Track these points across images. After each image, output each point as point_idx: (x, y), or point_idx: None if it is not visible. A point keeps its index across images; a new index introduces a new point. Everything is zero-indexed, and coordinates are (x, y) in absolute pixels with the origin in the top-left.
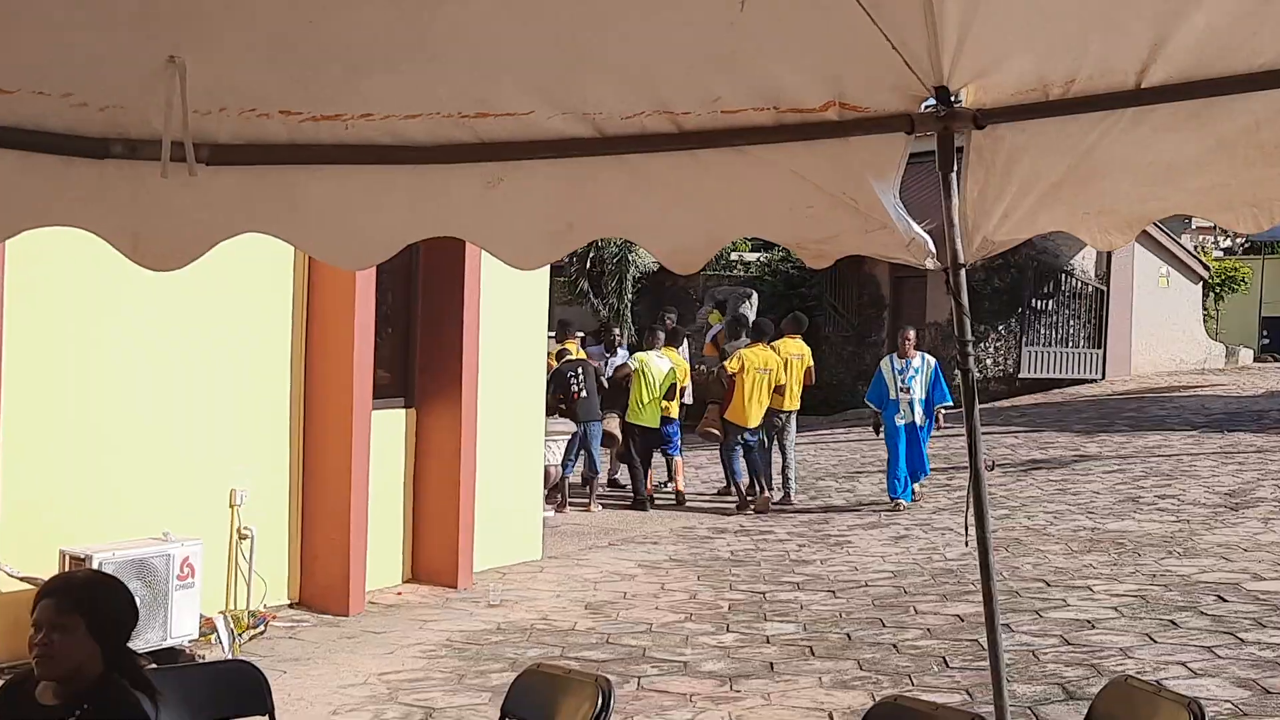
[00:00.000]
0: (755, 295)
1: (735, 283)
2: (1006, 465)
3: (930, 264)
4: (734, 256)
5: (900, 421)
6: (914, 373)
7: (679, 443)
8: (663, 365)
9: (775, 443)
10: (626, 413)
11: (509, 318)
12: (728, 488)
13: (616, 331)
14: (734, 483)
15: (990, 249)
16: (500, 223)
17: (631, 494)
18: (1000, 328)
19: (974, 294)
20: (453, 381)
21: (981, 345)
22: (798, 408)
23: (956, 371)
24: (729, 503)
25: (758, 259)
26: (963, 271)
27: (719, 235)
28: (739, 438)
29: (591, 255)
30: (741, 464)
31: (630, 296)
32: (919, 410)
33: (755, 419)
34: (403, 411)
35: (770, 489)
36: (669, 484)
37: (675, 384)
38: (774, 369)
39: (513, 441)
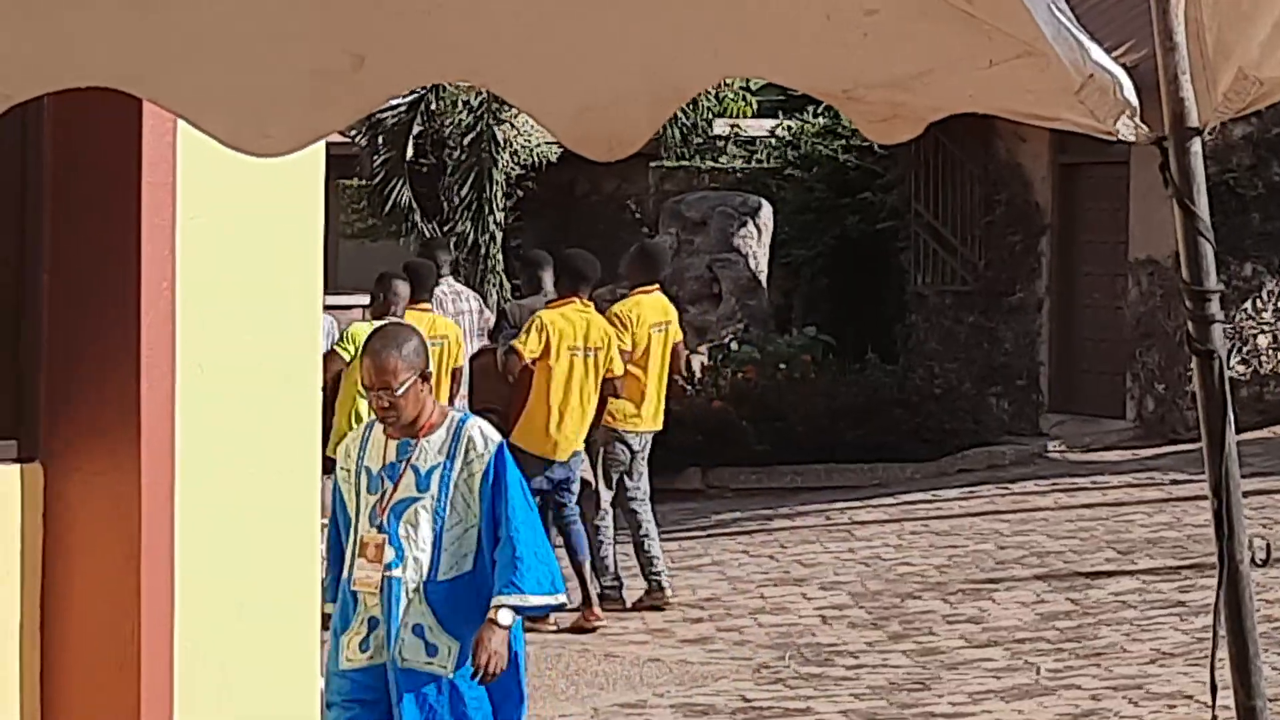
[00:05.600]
0: (767, 208)
1: (727, 184)
2: None
3: (1128, 132)
4: (722, 129)
5: (355, 664)
6: (423, 481)
7: None
8: None
9: (612, 496)
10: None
11: (242, 269)
12: None
13: (399, 284)
14: None
15: (1254, 97)
16: (208, 55)
17: None
18: None
19: (1228, 197)
20: (121, 406)
21: (1244, 305)
22: (660, 426)
23: (1187, 365)
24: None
25: (773, 133)
26: (1198, 146)
27: (678, 80)
28: (540, 480)
29: (420, 131)
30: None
31: (501, 215)
32: (430, 630)
33: (569, 443)
34: (14, 468)
35: (598, 584)
36: None
37: None
38: (603, 347)
39: (256, 526)
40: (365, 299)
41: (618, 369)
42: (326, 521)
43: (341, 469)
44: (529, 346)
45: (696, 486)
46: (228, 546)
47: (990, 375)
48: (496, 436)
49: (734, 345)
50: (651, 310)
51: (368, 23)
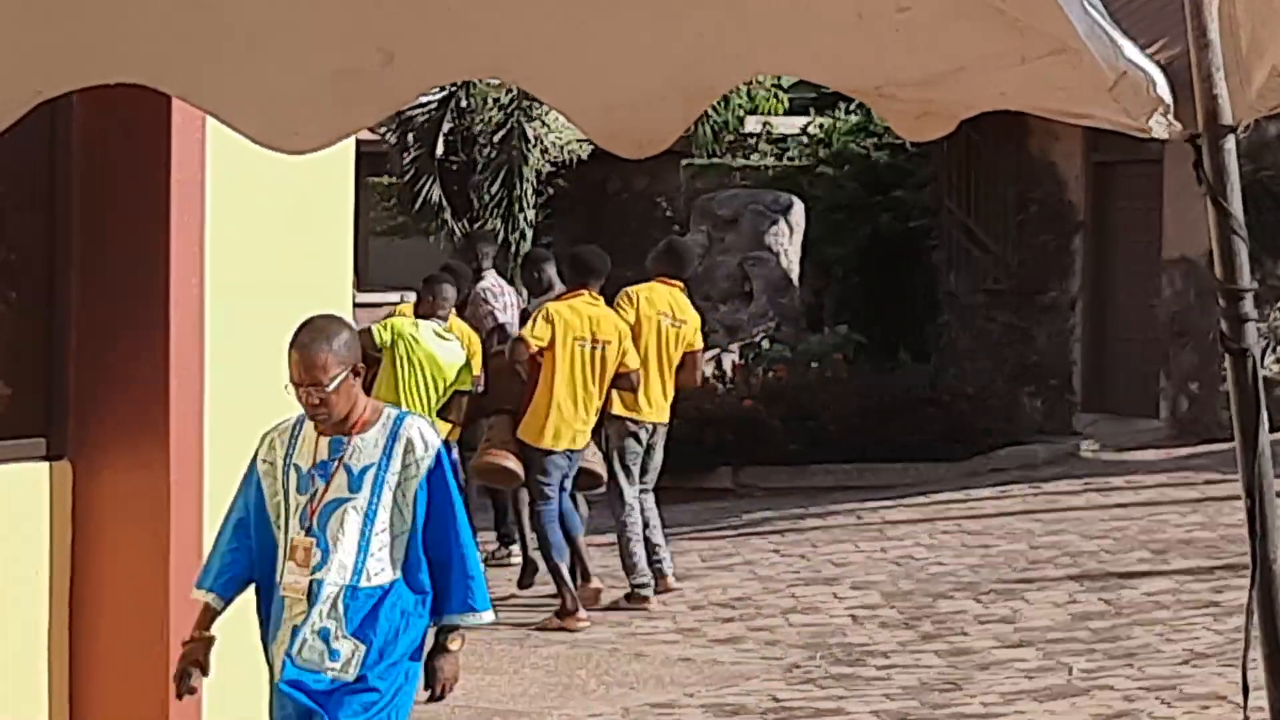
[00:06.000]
0: (799, 206)
1: (759, 181)
2: None
3: (1161, 129)
4: (754, 126)
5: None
6: (355, 481)
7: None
8: (446, 351)
9: (635, 490)
10: None
11: (272, 266)
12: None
13: (447, 287)
14: (555, 567)
15: None
16: (238, 52)
17: None
18: None
19: (1262, 195)
20: (150, 404)
21: (1278, 303)
22: (667, 419)
23: (1221, 364)
24: (541, 604)
25: (804, 130)
26: (1231, 144)
27: (709, 77)
28: (550, 473)
29: (451, 128)
30: (560, 532)
31: (532, 212)
32: (349, 644)
33: (572, 433)
34: (43, 465)
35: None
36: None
37: (463, 390)
38: (612, 340)
39: None
40: (395, 296)
41: (632, 363)
42: None
43: (264, 461)
44: (536, 335)
45: (727, 485)
46: None
47: (1023, 374)
48: (437, 440)
49: (765, 344)
50: (662, 299)
51: (396, 20)
